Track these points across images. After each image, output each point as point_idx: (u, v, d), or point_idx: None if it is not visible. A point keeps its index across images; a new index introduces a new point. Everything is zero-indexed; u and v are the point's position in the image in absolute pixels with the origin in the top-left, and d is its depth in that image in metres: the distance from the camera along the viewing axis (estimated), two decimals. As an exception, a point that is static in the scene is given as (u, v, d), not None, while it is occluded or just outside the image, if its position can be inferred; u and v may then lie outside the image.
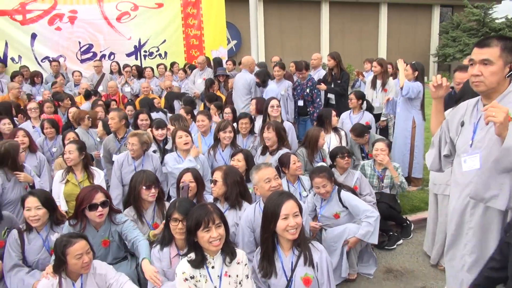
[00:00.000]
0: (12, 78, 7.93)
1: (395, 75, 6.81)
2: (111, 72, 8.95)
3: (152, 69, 8.87)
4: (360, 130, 5.03)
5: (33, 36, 8.71)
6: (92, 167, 4.28)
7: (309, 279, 2.38)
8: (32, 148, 4.54)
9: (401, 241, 4.27)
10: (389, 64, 7.14)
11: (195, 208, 2.50)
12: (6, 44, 8.61)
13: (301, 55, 14.81)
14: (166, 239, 2.83)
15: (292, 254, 2.47)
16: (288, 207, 2.40)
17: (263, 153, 4.67)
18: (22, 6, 8.61)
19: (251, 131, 5.13)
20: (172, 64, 9.19)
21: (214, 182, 3.36)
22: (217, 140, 4.75)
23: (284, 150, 4.37)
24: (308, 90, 6.35)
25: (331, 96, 6.59)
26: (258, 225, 3.15)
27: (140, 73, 8.92)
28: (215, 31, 9.61)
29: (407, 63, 5.47)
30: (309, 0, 20.24)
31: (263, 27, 18.85)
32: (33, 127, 5.88)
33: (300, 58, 8.07)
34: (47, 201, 3.03)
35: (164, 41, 9.39)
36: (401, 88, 5.21)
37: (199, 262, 2.41)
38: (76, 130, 5.43)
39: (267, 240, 2.47)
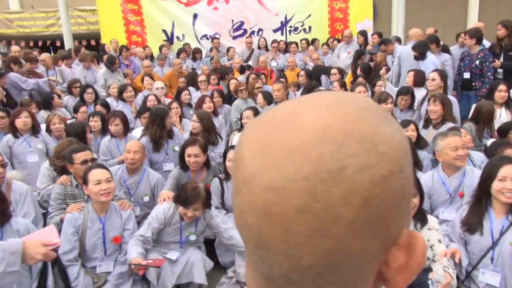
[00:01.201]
0: (178, 54, 9.09)
1: None
2: (259, 48, 9.55)
3: (297, 44, 9.17)
4: None
5: (195, 16, 9.76)
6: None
7: (520, 245, 2.37)
8: (215, 112, 5.29)
9: None
10: None
11: None
12: (173, 24, 9.85)
13: (444, 27, 13.51)
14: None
15: (505, 218, 2.49)
16: (507, 170, 2.42)
17: (425, 126, 4.58)
18: (187, -11, 9.71)
19: (410, 106, 5.08)
20: (313, 40, 9.37)
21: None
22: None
23: (449, 124, 4.24)
24: (477, 62, 5.85)
25: (499, 70, 6.00)
26: (435, 191, 3.24)
27: (285, 48, 9.34)
28: (361, 2, 9.43)
29: None
30: (457, -36, 18.14)
31: (403, -3, 17.63)
32: (203, 96, 6.77)
33: (443, 30, 7.43)
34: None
35: (309, 15, 9.58)
36: None
37: None
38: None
39: (481, 200, 2.55)
